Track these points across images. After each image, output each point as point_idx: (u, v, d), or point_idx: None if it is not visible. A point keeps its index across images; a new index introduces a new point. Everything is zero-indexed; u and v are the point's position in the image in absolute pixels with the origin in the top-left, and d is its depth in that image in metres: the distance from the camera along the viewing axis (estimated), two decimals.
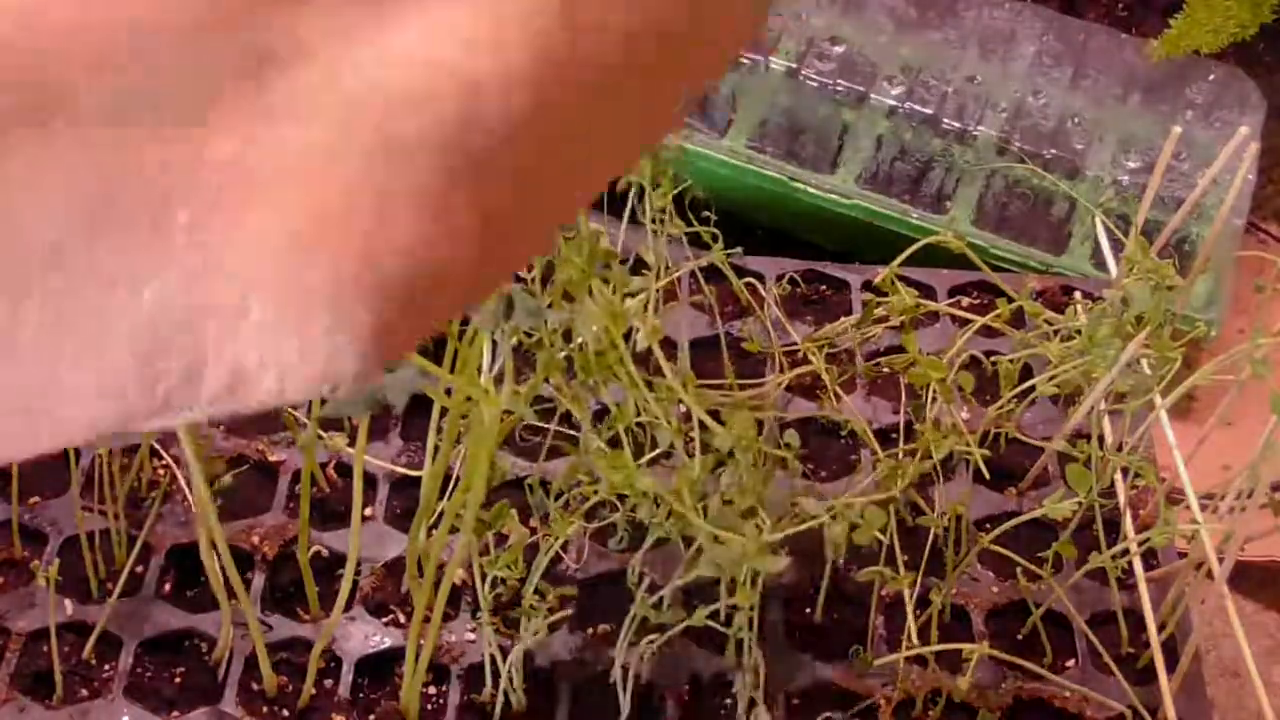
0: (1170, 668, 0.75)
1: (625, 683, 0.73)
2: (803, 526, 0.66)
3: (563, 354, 0.68)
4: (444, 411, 0.72)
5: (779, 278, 0.96)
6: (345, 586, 0.70)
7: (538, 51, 0.22)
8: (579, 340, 0.66)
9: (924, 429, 0.77)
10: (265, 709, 0.73)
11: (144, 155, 0.21)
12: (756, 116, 1.12)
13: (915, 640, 0.75)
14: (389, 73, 0.22)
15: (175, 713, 0.73)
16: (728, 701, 0.75)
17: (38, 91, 0.21)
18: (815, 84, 1.13)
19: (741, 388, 0.87)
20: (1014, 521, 0.75)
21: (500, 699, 0.72)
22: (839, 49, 1.16)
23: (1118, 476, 0.83)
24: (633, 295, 0.69)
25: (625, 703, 0.73)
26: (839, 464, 0.86)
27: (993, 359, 0.89)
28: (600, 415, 0.78)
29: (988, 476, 0.82)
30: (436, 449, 0.73)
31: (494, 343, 0.78)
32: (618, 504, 0.77)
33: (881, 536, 0.74)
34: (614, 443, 0.68)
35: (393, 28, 0.22)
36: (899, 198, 1.07)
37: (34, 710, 0.72)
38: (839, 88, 1.13)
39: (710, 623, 0.71)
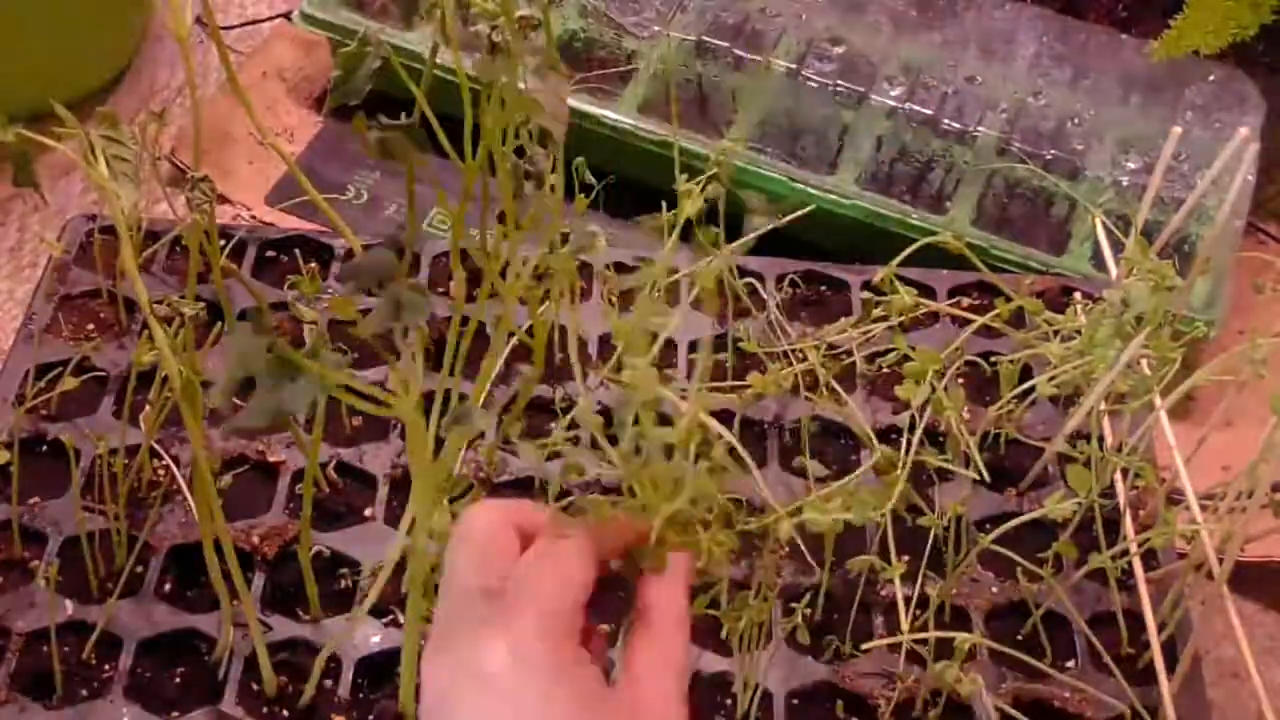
0: (1170, 668, 0.75)
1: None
2: (801, 512, 0.66)
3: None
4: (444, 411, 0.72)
5: (779, 278, 0.96)
6: (373, 593, 0.70)
7: None
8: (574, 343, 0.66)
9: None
10: (265, 709, 0.74)
11: None
12: (756, 116, 1.12)
13: (913, 641, 0.75)
14: None
15: (175, 713, 0.73)
16: (728, 701, 0.75)
17: None
18: (815, 84, 1.13)
19: (741, 388, 0.87)
20: (1014, 522, 0.75)
21: None
22: (839, 49, 1.16)
23: (1117, 477, 0.83)
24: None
25: None
26: (839, 464, 0.86)
27: (992, 360, 0.89)
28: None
29: (988, 477, 0.82)
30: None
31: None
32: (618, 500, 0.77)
33: (877, 518, 0.74)
34: (613, 442, 0.68)
35: None
36: (899, 198, 1.07)
37: (34, 710, 0.72)
38: (839, 88, 1.13)
39: (711, 611, 0.71)
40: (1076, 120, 1.13)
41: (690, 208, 0.79)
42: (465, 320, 0.80)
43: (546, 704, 0.44)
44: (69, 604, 0.76)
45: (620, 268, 0.96)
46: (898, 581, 0.78)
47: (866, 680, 0.76)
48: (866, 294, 0.90)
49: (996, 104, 1.13)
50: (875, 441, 0.81)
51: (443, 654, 0.47)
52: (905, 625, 0.76)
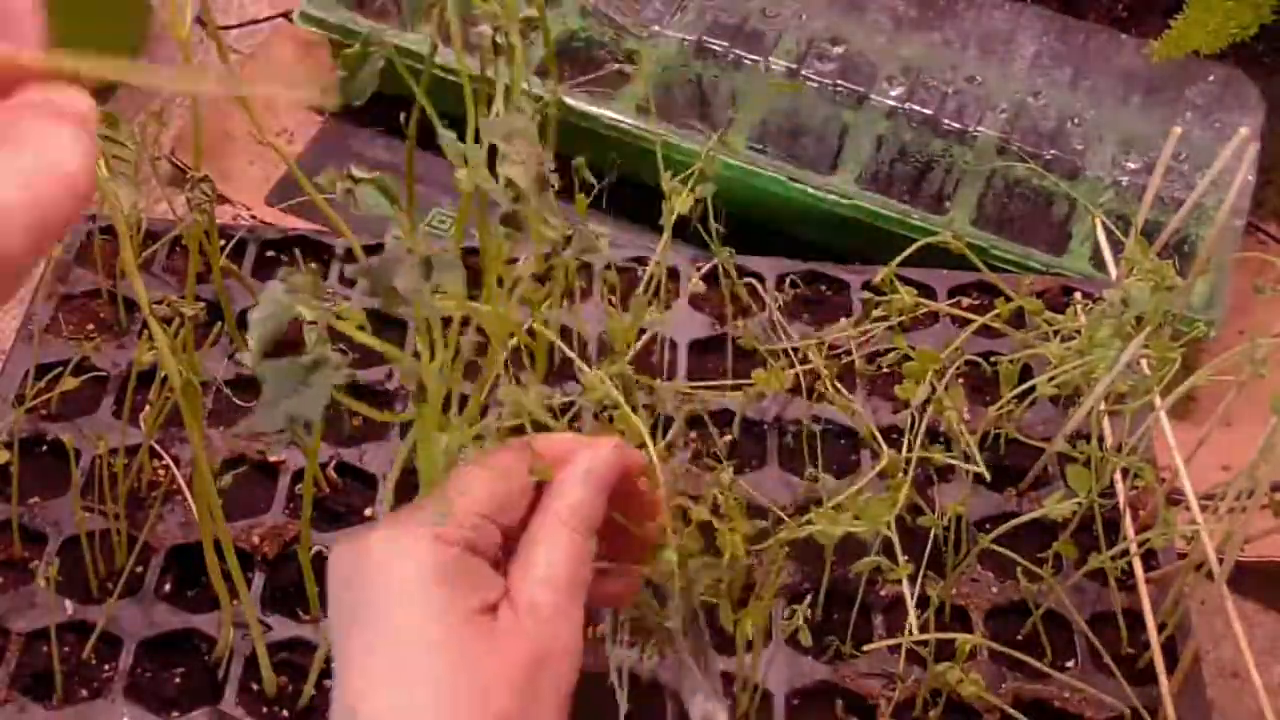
0: (1170, 668, 0.75)
1: (624, 683, 0.73)
2: (804, 520, 0.66)
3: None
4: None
5: (779, 278, 0.96)
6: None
7: None
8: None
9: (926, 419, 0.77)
10: (265, 709, 0.73)
11: None
12: (756, 116, 1.12)
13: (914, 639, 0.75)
14: None
15: (175, 713, 0.73)
16: (728, 701, 0.75)
17: None
18: (815, 84, 1.13)
19: (741, 388, 0.87)
20: (1014, 522, 0.75)
21: None
22: (839, 49, 1.16)
23: (1117, 477, 0.83)
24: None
25: (625, 703, 0.73)
26: (839, 464, 0.86)
27: (992, 360, 0.89)
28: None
29: (988, 477, 0.82)
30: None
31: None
32: None
33: (885, 531, 0.74)
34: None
35: None
36: (899, 198, 1.07)
37: (34, 710, 0.72)
38: (839, 88, 1.13)
39: (710, 598, 0.71)
40: (1076, 120, 1.13)
41: (681, 205, 0.79)
42: (466, 320, 0.80)
43: (413, 592, 0.43)
44: (69, 604, 0.76)
45: (619, 268, 0.95)
46: (902, 582, 0.78)
47: (866, 680, 0.76)
48: (866, 294, 0.90)
49: (996, 104, 1.13)
50: (882, 443, 0.81)
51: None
52: (906, 626, 0.76)
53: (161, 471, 0.83)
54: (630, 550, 0.53)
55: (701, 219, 0.82)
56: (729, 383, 0.88)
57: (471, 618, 0.44)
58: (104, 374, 0.88)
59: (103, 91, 1.23)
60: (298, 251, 0.96)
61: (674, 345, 0.91)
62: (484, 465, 0.48)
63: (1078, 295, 0.95)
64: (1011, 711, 0.72)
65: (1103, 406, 0.82)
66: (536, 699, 0.44)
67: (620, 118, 1.09)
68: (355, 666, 0.43)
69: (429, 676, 0.42)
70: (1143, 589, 0.79)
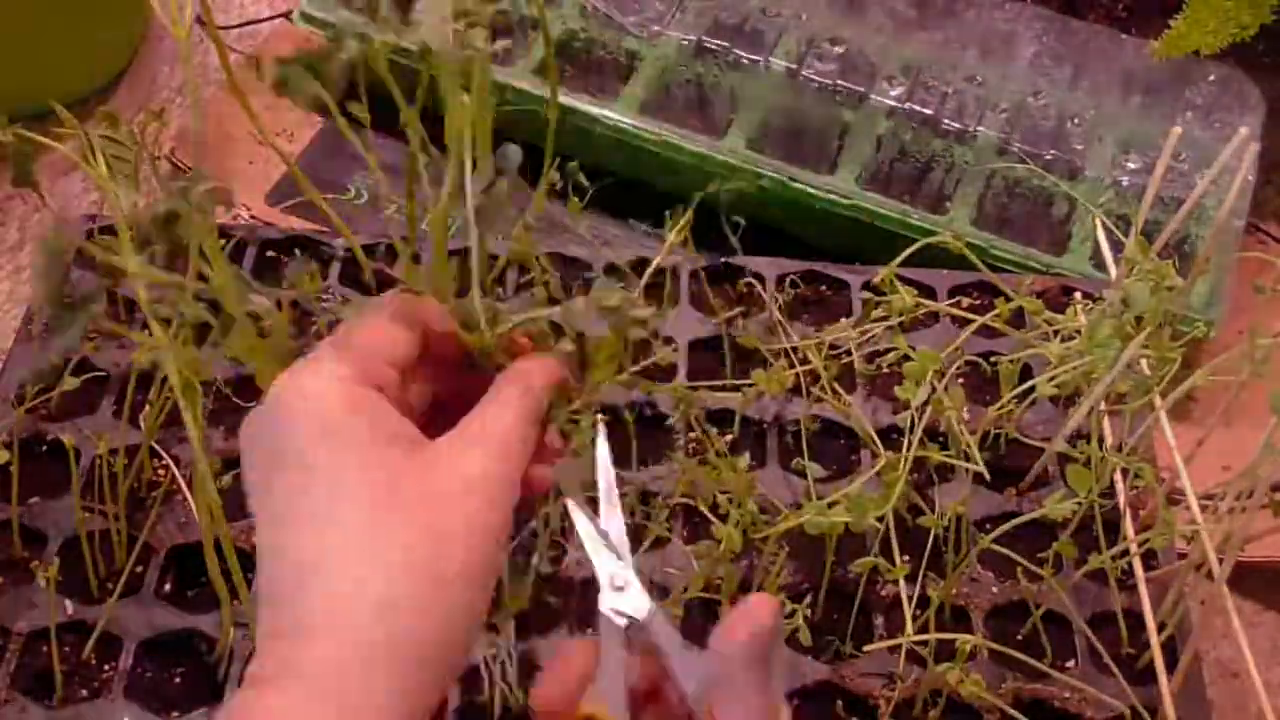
0: (1170, 668, 0.75)
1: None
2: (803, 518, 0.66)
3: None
4: None
5: (779, 278, 0.96)
6: None
7: None
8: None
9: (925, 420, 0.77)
10: None
11: None
12: (756, 116, 1.12)
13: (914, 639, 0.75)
14: None
15: (175, 713, 0.73)
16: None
17: None
18: (815, 84, 1.13)
19: (741, 388, 0.87)
20: (1014, 522, 0.75)
21: (499, 699, 0.72)
22: (839, 49, 1.16)
23: (1117, 477, 0.83)
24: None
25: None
26: (839, 464, 0.86)
27: (992, 360, 0.89)
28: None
29: (988, 477, 0.82)
30: None
31: None
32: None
33: (880, 526, 0.74)
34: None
35: None
36: (899, 198, 1.07)
37: (34, 710, 0.72)
38: (839, 88, 1.13)
39: (707, 595, 0.71)
40: (1076, 120, 1.13)
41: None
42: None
43: (347, 418, 0.43)
44: (69, 604, 0.76)
45: (617, 268, 0.95)
46: (900, 582, 0.78)
47: (866, 680, 0.76)
48: (866, 294, 0.90)
49: (996, 104, 1.13)
50: (878, 443, 0.81)
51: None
52: (906, 626, 0.76)
53: (161, 471, 0.83)
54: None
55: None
56: (729, 383, 0.88)
57: (396, 439, 0.43)
58: (104, 374, 0.88)
59: (102, 91, 1.23)
60: (298, 252, 0.96)
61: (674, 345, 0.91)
62: (375, 315, 0.47)
63: (1078, 295, 0.95)
64: (1011, 711, 0.72)
65: (1103, 406, 0.82)
66: (470, 525, 0.43)
67: (620, 118, 1.09)
68: (287, 514, 0.42)
69: (363, 500, 0.41)
70: (1143, 589, 0.79)
